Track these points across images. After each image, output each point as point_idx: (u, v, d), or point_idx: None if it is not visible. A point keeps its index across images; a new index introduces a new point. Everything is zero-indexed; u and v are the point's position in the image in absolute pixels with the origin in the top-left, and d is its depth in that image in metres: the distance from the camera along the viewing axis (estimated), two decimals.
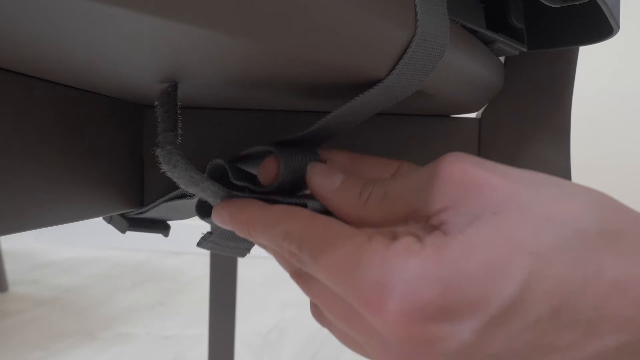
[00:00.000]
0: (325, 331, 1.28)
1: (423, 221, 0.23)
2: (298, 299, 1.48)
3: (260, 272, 1.74)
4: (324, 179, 0.26)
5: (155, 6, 0.14)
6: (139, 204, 0.38)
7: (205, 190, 0.27)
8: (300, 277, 0.27)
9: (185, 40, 0.18)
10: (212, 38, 0.17)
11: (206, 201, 0.29)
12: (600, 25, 0.36)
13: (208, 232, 0.32)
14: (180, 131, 0.26)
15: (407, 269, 0.20)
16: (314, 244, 0.24)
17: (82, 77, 0.27)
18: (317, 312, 0.28)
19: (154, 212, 0.40)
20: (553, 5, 0.30)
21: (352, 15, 0.20)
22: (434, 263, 0.20)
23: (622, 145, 1.68)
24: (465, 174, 0.22)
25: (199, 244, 0.32)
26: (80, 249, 2.03)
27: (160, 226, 0.46)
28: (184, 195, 0.37)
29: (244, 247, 0.34)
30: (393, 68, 0.24)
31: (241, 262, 1.06)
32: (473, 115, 0.42)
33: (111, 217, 0.42)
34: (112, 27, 0.17)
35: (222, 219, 0.28)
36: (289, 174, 0.26)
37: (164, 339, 1.23)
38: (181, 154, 0.25)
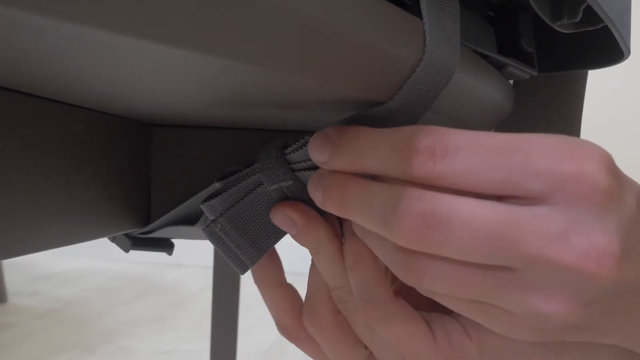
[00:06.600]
0: None
1: None
2: None
3: None
4: None
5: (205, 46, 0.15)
6: (145, 224, 0.38)
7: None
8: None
9: (226, 73, 0.18)
10: (236, 69, 0.17)
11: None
12: (610, 50, 0.36)
13: (220, 214, 0.30)
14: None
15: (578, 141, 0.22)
16: (464, 132, 0.23)
17: (93, 98, 0.27)
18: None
19: (157, 232, 0.40)
20: (565, 31, 0.29)
21: (362, 41, 0.20)
22: None
23: (630, 161, 1.68)
24: None
25: (205, 228, 0.29)
26: (81, 260, 2.03)
27: (164, 244, 0.46)
28: (188, 221, 0.37)
29: (250, 254, 0.30)
30: (396, 93, 0.24)
31: (243, 276, 1.05)
32: None
33: (115, 236, 0.42)
34: (156, 64, 0.17)
35: (324, 137, 0.26)
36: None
37: (164, 353, 1.22)
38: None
